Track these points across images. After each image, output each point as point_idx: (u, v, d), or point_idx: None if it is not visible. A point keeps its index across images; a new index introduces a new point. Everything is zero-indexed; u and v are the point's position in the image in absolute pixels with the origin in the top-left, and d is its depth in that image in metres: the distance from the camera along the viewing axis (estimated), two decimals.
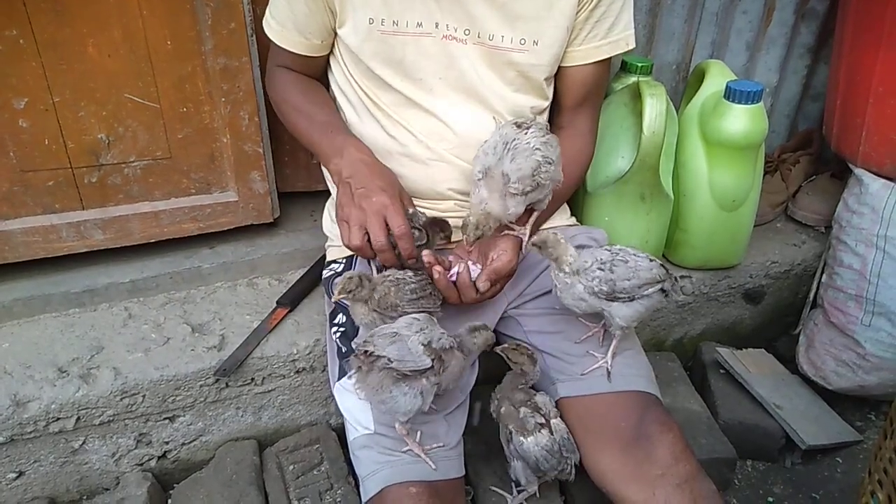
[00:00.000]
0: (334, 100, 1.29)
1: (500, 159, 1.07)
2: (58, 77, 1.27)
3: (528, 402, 1.16)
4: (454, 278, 1.08)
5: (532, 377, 1.18)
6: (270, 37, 1.22)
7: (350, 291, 1.05)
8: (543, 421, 1.14)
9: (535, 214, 1.16)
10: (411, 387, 0.98)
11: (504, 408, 1.18)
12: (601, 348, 1.20)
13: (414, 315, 1.03)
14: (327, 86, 1.31)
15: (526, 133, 1.08)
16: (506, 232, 1.14)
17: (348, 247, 1.09)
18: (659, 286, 1.12)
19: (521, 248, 1.14)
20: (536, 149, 1.06)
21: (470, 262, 1.11)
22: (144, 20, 1.28)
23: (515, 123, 1.10)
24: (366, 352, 0.97)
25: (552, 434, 1.13)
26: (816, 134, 1.96)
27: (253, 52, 1.37)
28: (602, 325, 1.21)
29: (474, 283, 1.08)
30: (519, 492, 1.27)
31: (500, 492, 1.30)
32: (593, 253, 1.12)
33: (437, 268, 1.07)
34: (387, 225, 1.05)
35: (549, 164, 1.07)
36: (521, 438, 1.14)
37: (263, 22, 1.23)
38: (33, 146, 1.30)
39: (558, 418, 1.16)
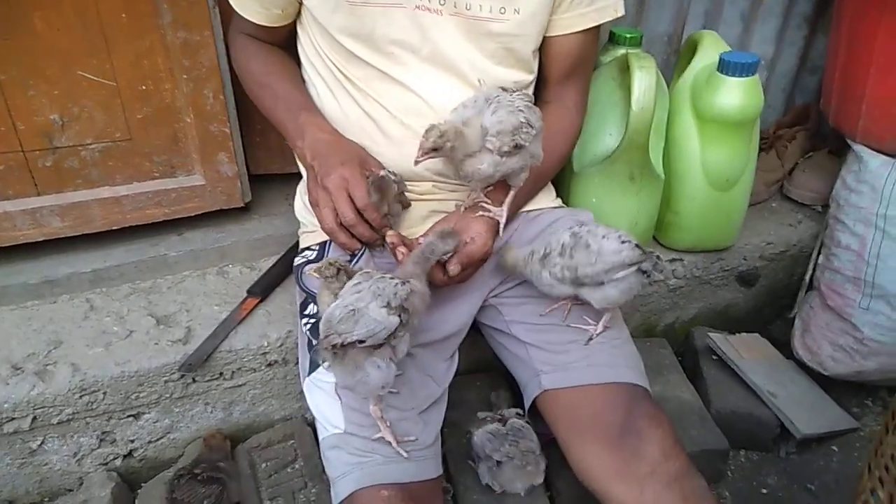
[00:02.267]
0: (305, 72, 1.21)
1: (479, 112, 1.00)
2: (2, 53, 1.17)
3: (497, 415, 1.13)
4: None
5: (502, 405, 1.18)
6: (232, 3, 1.15)
7: (326, 277, 0.98)
8: (499, 417, 1.10)
9: (511, 193, 1.09)
10: (381, 357, 0.92)
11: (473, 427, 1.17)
12: (589, 325, 1.15)
13: (352, 282, 0.94)
14: (294, 54, 1.23)
15: (511, 94, 1.02)
16: (480, 213, 1.07)
17: (324, 230, 1.06)
18: (632, 269, 1.04)
19: (497, 232, 1.08)
20: (520, 109, 1.00)
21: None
22: None
23: (500, 87, 1.05)
24: (335, 344, 0.90)
25: (503, 425, 1.09)
26: (814, 109, 1.89)
27: (216, 26, 1.28)
28: (573, 298, 1.15)
29: (444, 265, 1.02)
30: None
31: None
32: (557, 237, 1.07)
33: (402, 248, 1.02)
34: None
35: (531, 128, 1.00)
36: (472, 431, 1.13)
37: None
38: None
39: (517, 418, 1.11)
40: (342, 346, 0.89)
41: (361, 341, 0.89)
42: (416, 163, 0.99)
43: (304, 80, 1.22)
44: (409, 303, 0.92)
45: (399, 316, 0.90)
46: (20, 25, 1.16)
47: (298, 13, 1.16)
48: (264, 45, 1.21)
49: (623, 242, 1.03)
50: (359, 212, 1.02)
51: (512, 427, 1.11)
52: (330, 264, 0.98)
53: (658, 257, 1.05)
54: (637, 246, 1.04)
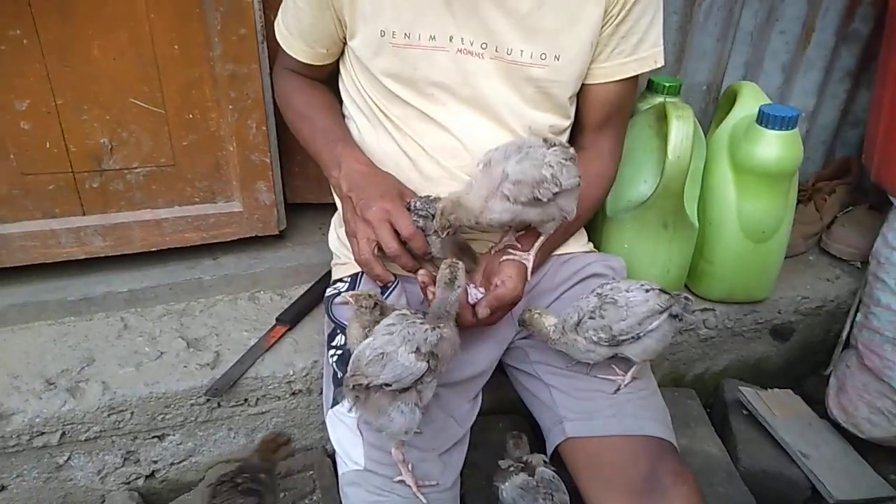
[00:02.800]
0: (345, 108, 1.24)
1: (507, 158, 0.99)
2: (61, 79, 1.23)
3: (518, 459, 1.11)
4: None
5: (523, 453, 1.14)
6: (279, 41, 1.20)
7: (360, 307, 0.99)
8: (523, 465, 1.08)
9: (541, 239, 1.08)
10: (406, 402, 0.91)
11: (495, 476, 1.13)
12: (617, 376, 1.13)
13: (386, 321, 0.94)
14: (336, 90, 1.26)
15: (548, 148, 1.00)
16: (507, 257, 1.07)
17: (358, 262, 1.07)
18: (664, 314, 1.03)
19: (526, 275, 1.07)
20: (550, 165, 0.97)
21: (471, 286, 1.04)
22: (151, 23, 1.24)
23: (543, 138, 1.02)
24: (360, 384, 0.90)
25: (530, 476, 1.06)
26: (855, 162, 1.85)
27: (263, 60, 1.33)
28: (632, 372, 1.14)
29: (474, 307, 1.02)
30: None
31: None
32: (579, 304, 1.07)
33: (431, 288, 1.01)
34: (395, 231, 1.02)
35: (557, 186, 0.97)
36: (499, 485, 1.08)
37: (275, 25, 1.20)
38: (34, 149, 1.27)
39: (545, 466, 1.08)
40: (366, 388, 0.90)
41: (388, 384, 0.89)
42: (440, 244, 1.03)
43: (344, 116, 1.25)
44: (438, 349, 0.91)
45: (427, 362, 0.90)
46: (80, 53, 1.22)
47: (342, 52, 1.19)
48: (307, 81, 1.25)
49: (647, 291, 1.03)
50: (401, 242, 1.02)
51: (542, 478, 1.07)
52: (369, 296, 0.99)
53: (686, 298, 1.05)
54: (663, 291, 1.04)
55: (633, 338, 1.03)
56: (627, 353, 1.05)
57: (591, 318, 1.04)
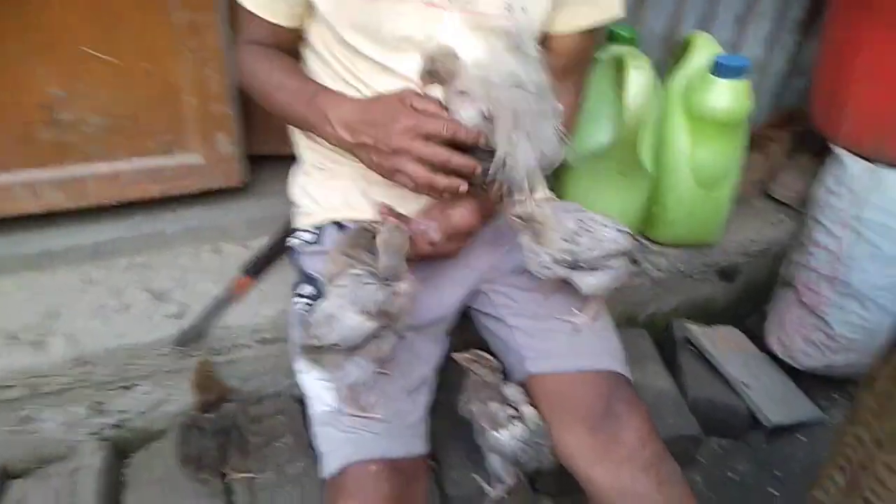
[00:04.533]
0: (312, 74, 1.22)
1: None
2: (8, 27, 1.18)
3: (496, 396, 1.14)
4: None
5: (494, 386, 1.15)
6: (247, 5, 1.12)
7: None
8: (515, 412, 1.12)
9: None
10: (362, 356, 0.94)
11: (474, 406, 1.16)
12: (576, 315, 1.18)
13: (339, 281, 0.94)
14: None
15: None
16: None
17: (421, 190, 1.00)
18: (625, 257, 1.09)
19: (482, 210, 1.09)
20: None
21: (428, 219, 1.07)
22: None
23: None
24: (312, 346, 0.94)
25: (526, 425, 1.11)
26: (801, 111, 1.93)
27: (221, 9, 1.29)
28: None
29: (427, 234, 1.05)
30: (499, 482, 1.25)
31: (482, 482, 1.27)
32: (560, 220, 1.07)
33: (390, 218, 1.04)
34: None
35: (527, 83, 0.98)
36: (496, 434, 1.12)
37: None
38: None
39: (527, 405, 1.14)
40: (318, 348, 0.92)
41: (337, 345, 0.91)
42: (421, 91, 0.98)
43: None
44: (392, 305, 0.92)
45: (378, 320, 0.91)
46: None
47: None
48: (271, 51, 1.17)
49: (619, 231, 1.08)
50: (448, 145, 0.96)
51: (536, 426, 1.10)
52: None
53: (645, 245, 1.09)
54: (631, 235, 1.08)
55: (590, 268, 1.07)
56: (580, 282, 1.09)
57: (563, 239, 1.05)
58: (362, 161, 1.07)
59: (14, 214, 1.33)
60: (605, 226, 1.08)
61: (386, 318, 0.93)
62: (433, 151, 0.97)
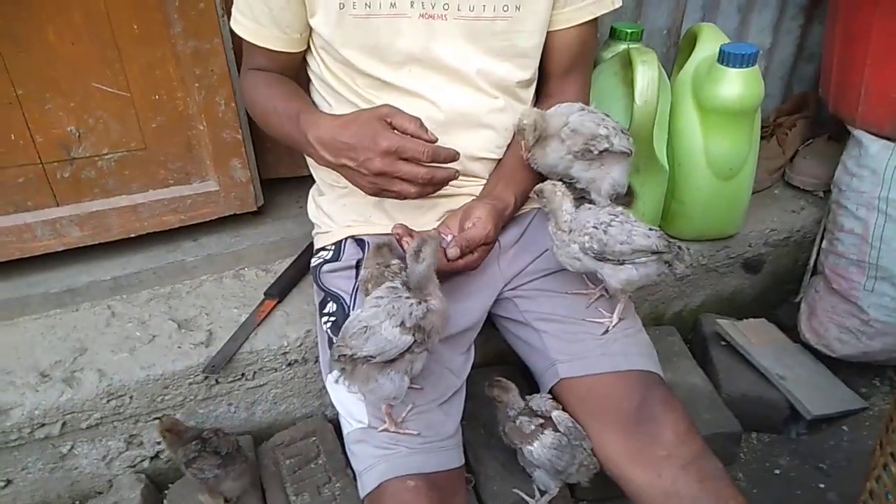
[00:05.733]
0: (316, 93, 1.22)
1: (570, 112, 1.13)
2: (19, 67, 1.20)
3: (525, 411, 1.13)
4: None
5: (513, 405, 1.15)
6: (244, 36, 1.14)
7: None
8: (542, 420, 1.11)
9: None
10: (396, 370, 0.93)
11: (507, 427, 1.15)
12: (604, 317, 1.17)
13: (376, 293, 0.96)
14: (305, 88, 1.24)
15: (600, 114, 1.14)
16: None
17: (414, 196, 1.02)
18: (654, 256, 1.07)
19: (498, 217, 1.09)
20: (607, 127, 1.12)
21: (443, 233, 1.07)
22: (107, 2, 1.21)
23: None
24: (344, 355, 0.93)
25: (556, 430, 1.09)
26: (812, 96, 1.91)
27: (225, 34, 1.31)
28: (601, 288, 1.17)
29: (444, 249, 1.04)
30: (542, 494, 1.23)
31: (523, 495, 1.26)
32: (595, 213, 1.07)
33: (407, 238, 1.04)
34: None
35: (608, 143, 1.10)
36: (528, 447, 1.11)
37: (232, 22, 1.15)
38: None
39: (558, 410, 1.12)
40: (352, 359, 0.92)
41: (371, 357, 0.91)
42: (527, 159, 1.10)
43: (312, 101, 1.22)
44: (426, 321, 0.92)
45: (413, 335, 0.91)
46: (35, 38, 1.19)
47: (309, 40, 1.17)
48: (272, 76, 1.18)
49: (651, 230, 1.06)
50: (427, 163, 0.99)
51: (568, 429, 1.09)
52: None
53: (680, 248, 1.07)
54: (664, 237, 1.07)
55: (618, 261, 1.05)
56: (606, 276, 1.07)
57: (595, 227, 1.04)
58: (348, 180, 1.07)
59: (36, 253, 1.35)
60: (637, 224, 1.07)
61: (421, 333, 0.92)
62: (416, 172, 0.98)
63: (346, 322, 0.95)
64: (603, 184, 1.15)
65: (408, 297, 0.93)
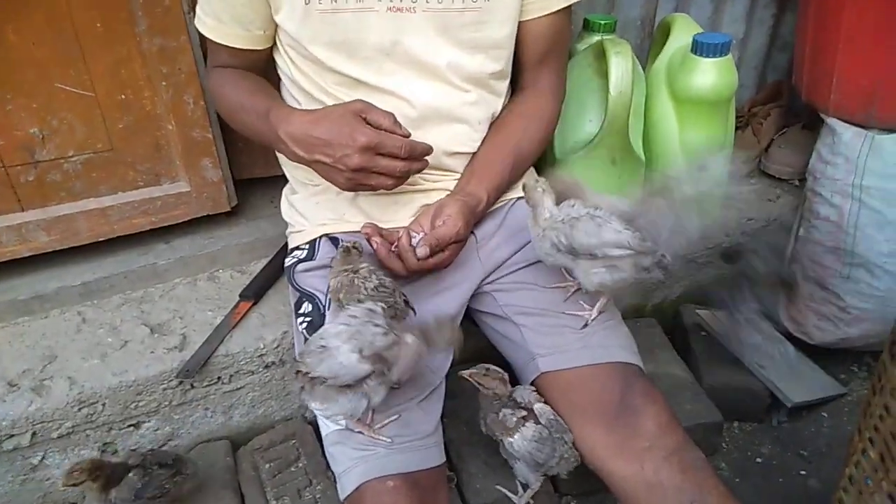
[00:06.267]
0: (286, 91, 1.20)
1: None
2: None
3: (508, 402, 1.12)
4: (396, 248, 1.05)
5: (504, 395, 1.13)
6: (206, 34, 1.12)
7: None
8: (525, 412, 1.09)
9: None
10: (355, 392, 0.90)
11: (489, 419, 1.14)
12: (584, 311, 1.16)
13: (351, 311, 0.92)
14: (271, 81, 1.21)
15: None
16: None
17: (394, 187, 1.03)
18: (627, 252, 1.02)
19: (469, 214, 1.08)
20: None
21: (413, 231, 1.06)
22: (69, 1, 1.18)
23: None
24: (299, 372, 0.91)
25: (537, 423, 1.08)
26: (786, 85, 1.92)
27: (192, 31, 1.27)
28: (578, 281, 1.14)
29: (414, 248, 1.03)
30: (525, 489, 1.22)
31: (506, 492, 1.25)
32: (570, 208, 1.05)
33: (376, 238, 1.03)
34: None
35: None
36: (509, 439, 1.10)
37: (196, 20, 1.13)
38: None
39: (540, 402, 1.11)
40: (307, 378, 0.89)
41: (325, 379, 0.88)
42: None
43: (281, 98, 1.20)
44: (390, 353, 0.89)
45: (372, 365, 0.87)
46: None
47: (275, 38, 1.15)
48: (238, 73, 1.16)
49: (627, 229, 1.02)
50: (405, 157, 0.99)
51: (550, 422, 1.08)
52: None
53: (663, 255, 1.04)
54: (642, 239, 1.02)
55: (590, 255, 1.03)
56: (581, 275, 1.05)
57: (562, 221, 1.03)
58: (321, 175, 1.06)
59: (3, 259, 1.31)
60: (611, 221, 1.03)
61: (380, 363, 0.88)
62: (394, 166, 0.99)
63: (312, 336, 0.93)
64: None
65: (377, 325, 0.89)
